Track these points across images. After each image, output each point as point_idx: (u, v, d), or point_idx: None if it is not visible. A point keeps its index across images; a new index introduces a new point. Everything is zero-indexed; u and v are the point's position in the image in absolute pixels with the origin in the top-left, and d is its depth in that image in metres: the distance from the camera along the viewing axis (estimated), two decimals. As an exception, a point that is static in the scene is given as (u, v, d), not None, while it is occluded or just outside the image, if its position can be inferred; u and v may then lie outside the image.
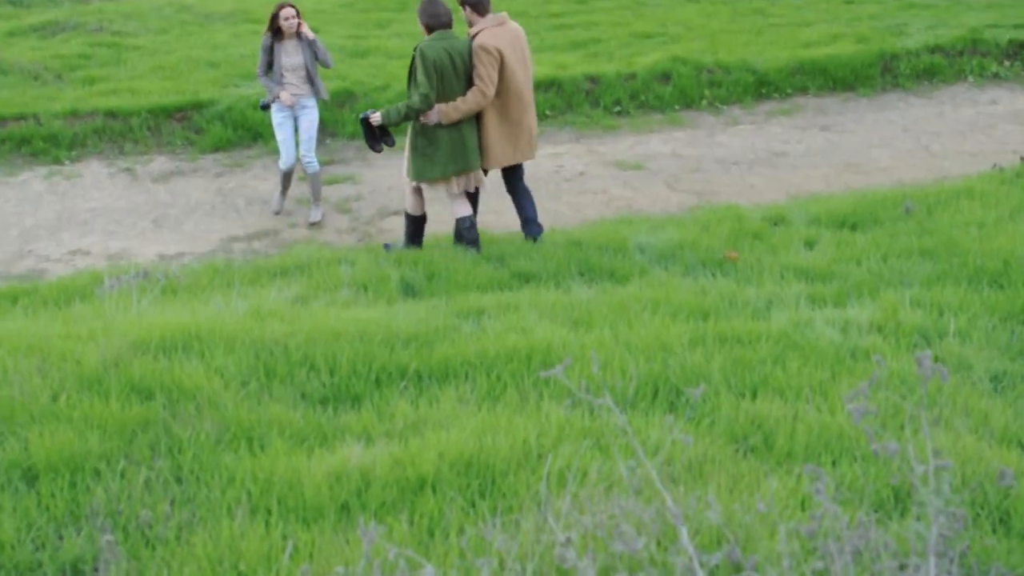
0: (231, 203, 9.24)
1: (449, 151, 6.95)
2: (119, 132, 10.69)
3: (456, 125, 6.92)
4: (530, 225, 7.56)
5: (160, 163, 10.25)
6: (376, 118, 7.06)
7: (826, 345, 4.60)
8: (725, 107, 12.05)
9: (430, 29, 6.87)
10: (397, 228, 8.66)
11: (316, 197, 8.96)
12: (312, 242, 8.37)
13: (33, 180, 9.86)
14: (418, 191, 7.30)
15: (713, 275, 6.38)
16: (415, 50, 6.82)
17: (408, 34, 14.57)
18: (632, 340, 4.60)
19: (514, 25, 7.14)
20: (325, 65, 8.79)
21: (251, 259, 7.78)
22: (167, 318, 5.02)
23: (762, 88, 12.40)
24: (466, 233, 7.29)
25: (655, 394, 4.11)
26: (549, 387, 4.14)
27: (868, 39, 13.61)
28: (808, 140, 10.96)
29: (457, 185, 7.15)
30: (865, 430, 2.64)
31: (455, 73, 6.82)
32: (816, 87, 12.57)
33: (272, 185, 9.62)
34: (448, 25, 6.88)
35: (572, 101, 11.76)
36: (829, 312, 5.22)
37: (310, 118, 8.79)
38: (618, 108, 11.79)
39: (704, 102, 12.08)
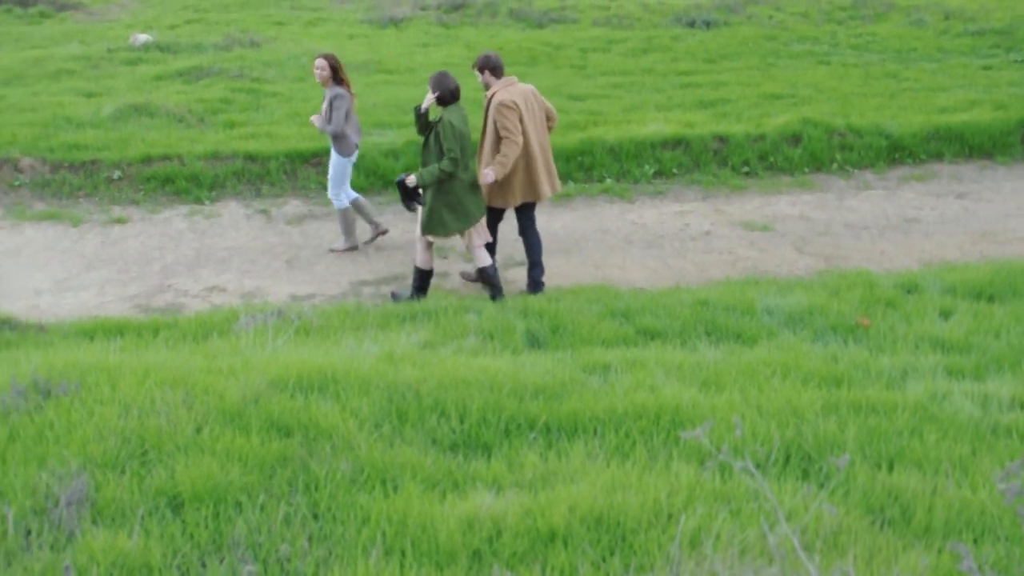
0: (361, 247, 9.46)
1: (460, 207, 7.79)
2: (257, 175, 11.08)
3: (467, 184, 7.78)
4: (535, 269, 8.40)
5: (294, 206, 10.58)
6: (411, 180, 7.74)
7: (965, 419, 4.48)
8: (856, 171, 11.87)
9: (445, 102, 7.76)
10: (521, 279, 8.75)
11: (341, 231, 9.48)
12: (438, 289, 8.51)
13: (175, 218, 10.28)
14: (430, 246, 8.05)
15: (844, 342, 6.28)
16: (439, 121, 7.64)
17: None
18: (763, 404, 4.56)
19: (523, 85, 8.20)
20: (326, 122, 9.10)
21: (380, 303, 7.94)
22: (303, 358, 5.16)
23: (895, 153, 12.20)
24: (488, 281, 8.12)
25: (787, 460, 4.06)
26: (679, 446, 4.13)
27: (1007, 106, 13.29)
28: (942, 207, 10.72)
29: (475, 236, 7.96)
30: (1018, 511, 2.57)
31: (468, 140, 7.78)
32: (952, 153, 12.31)
33: (401, 231, 9.84)
34: (459, 97, 7.81)
35: (699, 160, 11.75)
36: (967, 385, 5.09)
37: (329, 161, 9.37)
38: (746, 168, 11.73)
39: (834, 165, 11.94)
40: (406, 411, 4.41)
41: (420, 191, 7.83)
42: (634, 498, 3.57)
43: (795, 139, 12.14)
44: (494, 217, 8.45)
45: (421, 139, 8.04)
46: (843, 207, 10.73)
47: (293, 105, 13.47)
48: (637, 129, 12.18)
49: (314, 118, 9.21)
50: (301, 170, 11.18)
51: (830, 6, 22.56)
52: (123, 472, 3.68)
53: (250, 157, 11.24)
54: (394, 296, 8.25)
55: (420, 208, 7.92)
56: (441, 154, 7.63)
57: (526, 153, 8.03)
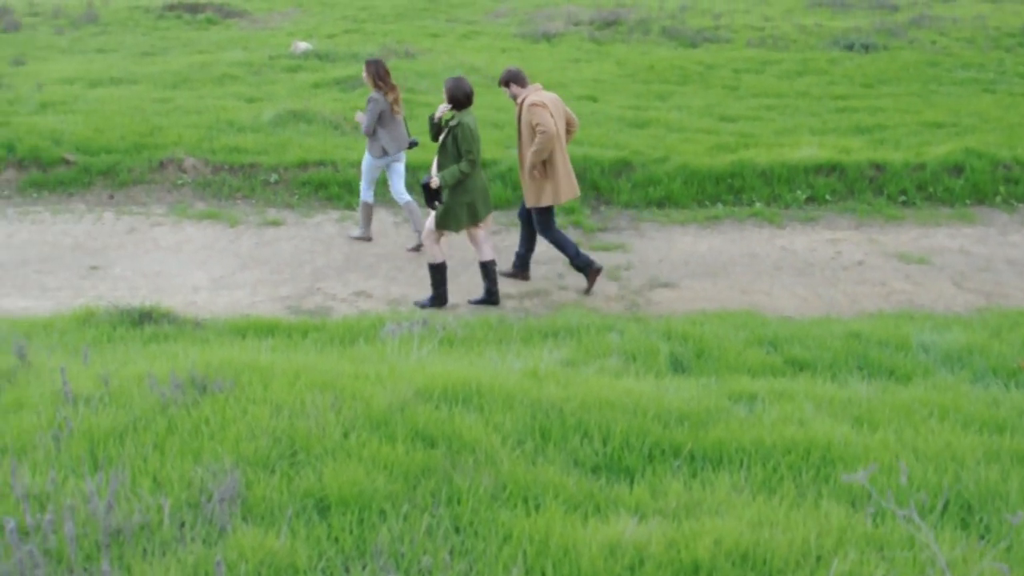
0: (507, 261, 9.51)
1: (471, 205, 8.22)
2: (406, 183, 11.24)
3: (478, 184, 8.27)
4: (527, 253, 9.13)
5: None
6: (436, 182, 8.12)
7: None
8: (1021, 205, 11.36)
9: (461, 105, 8.11)
10: (665, 300, 8.66)
11: (360, 220, 10.19)
12: (581, 306, 8.49)
13: (326, 223, 10.54)
14: (440, 240, 8.42)
15: (1005, 385, 5.99)
16: (452, 124, 8.03)
17: (686, 107, 14.66)
18: (919, 447, 4.37)
19: (549, 92, 8.84)
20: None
21: (523, 318, 7.96)
22: (448, 369, 5.20)
23: (1064, 188, 11.62)
24: (491, 276, 8.57)
25: (945, 507, 3.88)
26: (829, 484, 3.99)
27: None
28: (1115, 248, 10.15)
29: (484, 228, 8.43)
30: None
31: (480, 141, 8.23)
32: None
33: (546, 246, 9.85)
34: (472, 102, 8.19)
35: (854, 187, 11.43)
36: None
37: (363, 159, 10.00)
38: (903, 198, 11.35)
39: (998, 198, 11.44)
40: (549, 429, 4.38)
41: (443, 192, 8.19)
42: (781, 536, 3.46)
43: (957, 170, 11.70)
44: (545, 218, 8.85)
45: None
46: (1006, 242, 10.27)
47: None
48: (790, 153, 11.93)
49: (360, 115, 9.80)
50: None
51: (997, 32, 21.68)
52: (273, 472, 3.76)
53: (402, 166, 11.43)
54: (418, 305, 8.51)
55: (440, 206, 8.29)
56: (459, 156, 8.02)
57: (561, 151, 8.63)
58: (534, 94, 8.61)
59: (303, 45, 19.27)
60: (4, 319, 7.42)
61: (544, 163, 8.57)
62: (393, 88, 9.67)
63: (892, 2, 25.63)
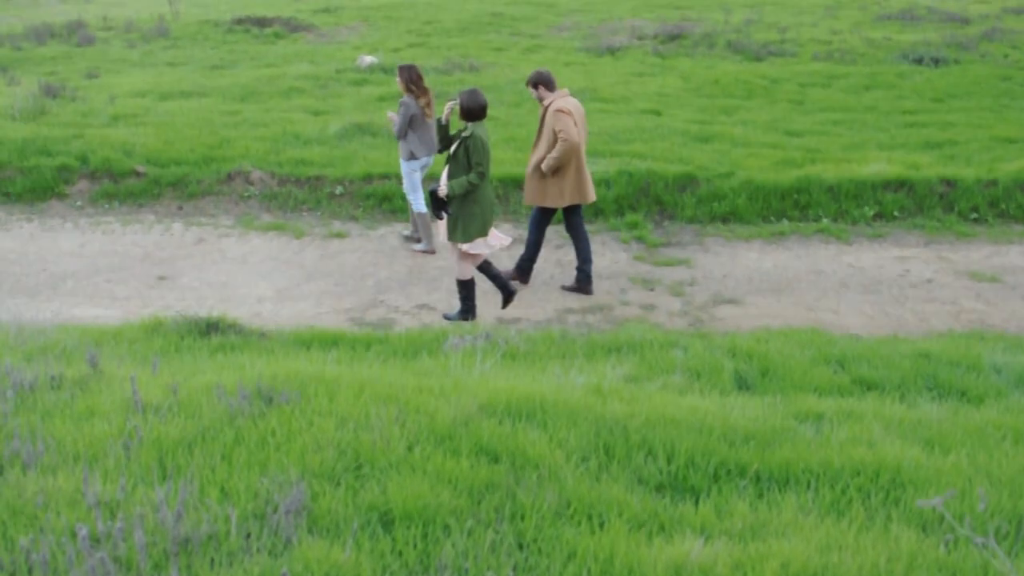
0: (569, 275, 9.50)
1: (482, 215, 8.20)
2: (471, 197, 11.30)
3: (488, 195, 8.26)
4: (586, 265, 9.14)
5: (504, 229, 10.72)
6: (443, 191, 8.10)
7: None
8: (1097, 223, 11.09)
9: (472, 117, 8.07)
10: (730, 316, 8.58)
11: (421, 233, 10.25)
12: (643, 321, 8.44)
13: (390, 235, 10.61)
14: (469, 257, 8.35)
15: (1082, 409, 5.82)
16: (465, 136, 7.99)
17: (751, 122, 14.53)
18: (993, 471, 4.27)
19: (574, 98, 9.00)
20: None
21: (585, 332, 7.94)
22: (511, 384, 5.19)
23: None
24: (495, 272, 8.58)
25: (1017, 533, 3.78)
26: (899, 508, 3.91)
27: None
28: None
29: (481, 245, 8.28)
30: None
31: (491, 154, 8.20)
32: None
33: (609, 260, 9.84)
34: (486, 115, 8.14)
35: (923, 204, 11.24)
36: None
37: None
38: (975, 215, 11.14)
39: (1073, 216, 11.18)
40: (613, 446, 4.36)
41: (450, 202, 8.20)
42: (850, 560, 3.40)
43: (1030, 186, 11.45)
44: (545, 217, 9.18)
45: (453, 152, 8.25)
46: (1082, 262, 10.03)
47: (509, 130, 13.70)
48: (857, 168, 11.76)
49: (392, 115, 10.03)
50: (513, 194, 11.35)
51: (1074, 46, 21.23)
52: (338, 484, 3.78)
53: (465, 179, 11.48)
54: (446, 318, 8.61)
55: (449, 216, 8.29)
56: (469, 167, 8.04)
57: (577, 157, 8.82)
58: (560, 100, 8.82)
59: (369, 59, 19.46)
60: (76, 327, 7.56)
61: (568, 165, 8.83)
62: (425, 92, 9.88)
63: (963, 15, 25.21)
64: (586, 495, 3.85)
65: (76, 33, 24.83)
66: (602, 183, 11.30)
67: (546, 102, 8.89)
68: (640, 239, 10.50)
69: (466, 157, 8.05)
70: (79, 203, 11.75)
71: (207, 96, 16.50)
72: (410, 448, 4.13)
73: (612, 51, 21.23)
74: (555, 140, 8.70)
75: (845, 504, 3.97)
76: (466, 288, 8.50)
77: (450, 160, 8.18)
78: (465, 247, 8.27)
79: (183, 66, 20.34)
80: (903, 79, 18.09)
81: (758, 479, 4.20)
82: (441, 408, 4.58)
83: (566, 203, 9.00)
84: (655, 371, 6.48)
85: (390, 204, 11.21)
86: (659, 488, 4.11)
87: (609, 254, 10.04)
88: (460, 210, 8.17)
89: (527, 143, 12.89)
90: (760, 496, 4.05)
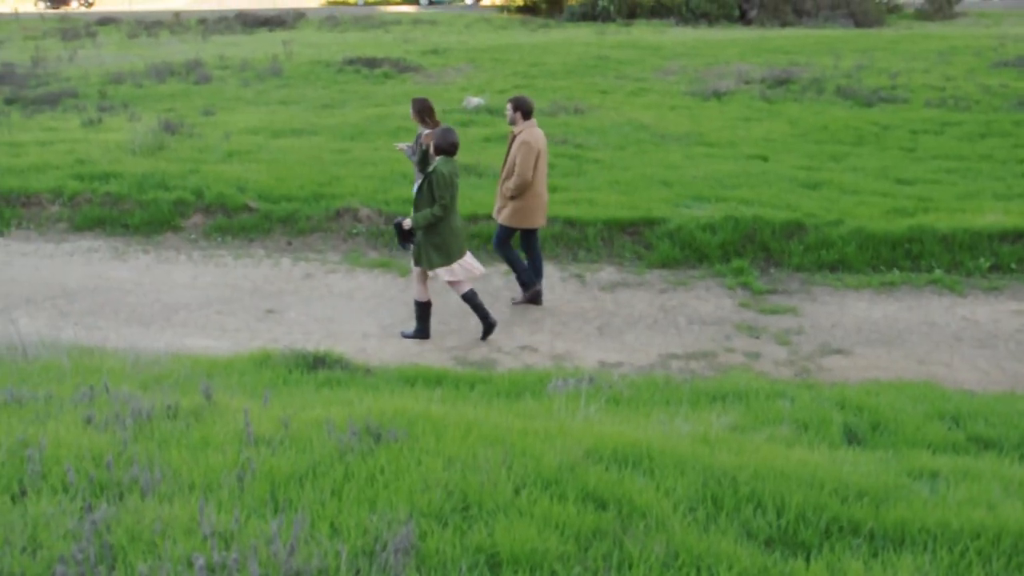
0: (672, 320, 9.43)
1: (446, 245, 8.78)
2: (574, 239, 11.34)
3: (454, 225, 8.83)
4: (538, 278, 9.89)
5: (608, 273, 10.72)
6: (407, 224, 8.76)
7: None
8: None
9: (441, 152, 8.65)
10: (838, 367, 8.41)
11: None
12: (748, 370, 8.31)
13: (493, 275, 10.68)
14: (426, 279, 9.03)
15: None
16: (429, 171, 8.62)
17: (861, 169, 14.29)
18: (1123, 539, 4.07)
19: (540, 130, 9.70)
20: (412, 152, 10.10)
21: (689, 379, 7.85)
22: (617, 429, 5.16)
23: None
24: (477, 302, 9.07)
25: None
26: (1022, 573, 3.76)
27: None
28: None
29: (457, 270, 8.91)
30: None
31: (457, 188, 8.79)
32: None
33: (713, 306, 9.74)
34: (456, 153, 8.73)
35: (1042, 256, 10.88)
36: None
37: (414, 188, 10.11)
38: (1097, 269, 10.74)
39: None
40: (721, 497, 4.28)
41: (414, 233, 8.81)
42: (972, 627, 3.28)
43: None
44: (508, 236, 9.85)
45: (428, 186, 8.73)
46: None
47: (614, 173, 13.71)
48: (972, 219, 11.45)
49: (402, 145, 10.34)
50: (618, 237, 11.33)
51: None
52: (446, 525, 3.79)
53: (569, 221, 11.53)
54: (404, 335, 9.19)
55: (413, 247, 8.96)
56: (433, 200, 8.61)
57: (541, 186, 9.63)
58: (529, 131, 9.49)
59: (475, 100, 19.72)
60: (188, 357, 7.76)
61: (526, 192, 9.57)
62: (436, 123, 10.19)
63: (1084, 63, 24.48)
64: (694, 546, 3.79)
65: (194, 72, 25.71)
66: (707, 228, 11.22)
67: (517, 129, 9.55)
68: (746, 286, 10.37)
69: (430, 191, 8.62)
70: (193, 236, 12.10)
71: (317, 134, 16.90)
72: (517, 491, 4.13)
73: (718, 95, 21.15)
74: (514, 165, 9.47)
75: (964, 568, 3.84)
76: (422, 309, 9.13)
77: (417, 193, 8.80)
78: (446, 276, 8.90)
79: (295, 105, 20.89)
80: (1020, 127, 17.60)
81: (872, 537, 4.09)
82: (547, 452, 4.56)
83: (542, 223, 9.85)
84: (761, 421, 6.37)
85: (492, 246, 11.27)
86: (768, 542, 4.03)
87: (713, 300, 9.94)
88: (425, 239, 8.77)
89: (632, 187, 12.91)
90: (874, 555, 3.93)
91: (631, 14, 46.92)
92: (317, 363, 7.53)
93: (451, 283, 9.00)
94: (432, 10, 57.78)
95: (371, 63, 26.93)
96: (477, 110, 18.99)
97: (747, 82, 22.70)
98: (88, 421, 4.81)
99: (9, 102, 21.67)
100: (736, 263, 10.74)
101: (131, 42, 38.82)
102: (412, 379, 7.41)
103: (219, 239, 12.01)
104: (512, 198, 9.62)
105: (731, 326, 9.29)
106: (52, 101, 21.54)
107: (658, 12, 46.67)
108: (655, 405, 6.63)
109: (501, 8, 54.92)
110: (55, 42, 38.58)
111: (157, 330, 9.34)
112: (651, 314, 9.63)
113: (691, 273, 10.66)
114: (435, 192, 8.59)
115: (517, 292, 10.15)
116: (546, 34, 39.49)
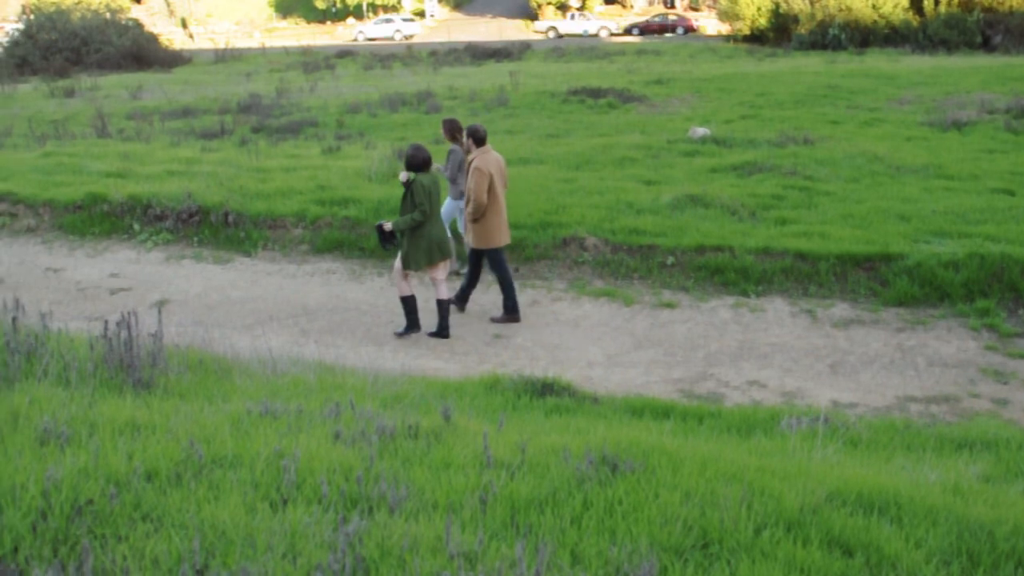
0: (910, 361, 9.02)
1: (427, 249, 9.81)
2: (805, 274, 11.03)
3: (434, 231, 9.79)
4: (514, 306, 10.52)
5: (841, 309, 10.36)
6: (388, 226, 9.80)
7: None
8: None
9: (415, 167, 9.71)
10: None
11: None
12: (996, 417, 7.84)
13: (720, 308, 10.52)
14: (406, 277, 10.03)
15: None
16: (413, 182, 9.64)
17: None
18: None
19: (496, 153, 10.36)
20: (444, 170, 11.46)
21: (931, 424, 7.47)
22: (860, 473, 4.96)
23: None
24: (444, 312, 10.11)
25: None
26: None
27: None
28: None
29: (440, 271, 10.07)
30: None
31: (437, 196, 9.74)
32: None
33: (956, 348, 9.26)
34: (429, 168, 9.76)
35: None
36: None
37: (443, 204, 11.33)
38: None
39: None
40: (978, 553, 4.04)
41: (395, 235, 9.83)
42: None
43: None
44: (496, 258, 10.45)
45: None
46: None
47: (846, 206, 13.28)
48: None
49: (437, 165, 10.99)
50: (851, 273, 10.94)
51: None
52: (686, 561, 3.74)
53: (800, 255, 11.22)
54: (397, 335, 10.13)
55: (394, 248, 10.04)
56: (414, 207, 9.61)
57: (500, 207, 10.24)
58: (481, 158, 10.11)
59: (701, 130, 19.55)
60: (421, 378, 8.01)
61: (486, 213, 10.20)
62: (461, 142, 11.07)
63: None
64: (951, 603, 3.59)
65: (425, 102, 26.68)
66: (949, 265, 10.67)
67: (471, 156, 10.25)
68: (992, 327, 9.79)
69: (412, 200, 9.64)
70: (425, 261, 12.50)
71: (543, 163, 17.16)
72: (758, 531, 4.02)
73: (958, 126, 20.17)
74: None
75: None
76: (407, 304, 10.07)
77: (402, 203, 9.79)
78: (399, 275, 9.99)
79: (520, 134, 21.31)
80: None
81: None
82: (787, 492, 4.43)
83: (504, 243, 10.47)
84: (1014, 472, 5.98)
85: (722, 277, 11.12)
86: (1031, 604, 3.77)
87: (956, 341, 9.44)
88: (409, 244, 9.81)
89: (866, 220, 12.47)
90: None
91: (863, 42, 45.54)
92: (545, 389, 7.61)
93: (400, 281, 10.01)
94: (647, 40, 57.87)
95: (595, 93, 27.19)
96: (703, 140, 18.82)
97: (990, 112, 21.56)
98: (336, 436, 5.02)
99: (256, 131, 23.12)
100: (981, 303, 10.16)
101: (366, 74, 40.72)
102: (639, 410, 7.37)
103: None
104: (474, 221, 10.25)
105: (975, 369, 8.80)
106: (294, 130, 22.83)
107: (892, 40, 45.13)
108: (896, 449, 6.34)
109: (727, 38, 54.47)
110: (297, 74, 40.95)
111: (390, 351, 9.68)
112: (887, 354, 9.24)
113: (931, 312, 10.16)
114: (416, 200, 9.61)
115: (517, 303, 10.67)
116: (773, 63, 38.82)
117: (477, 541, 3.72)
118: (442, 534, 3.76)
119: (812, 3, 47.85)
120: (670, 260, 11.54)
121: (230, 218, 13.68)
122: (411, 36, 68.15)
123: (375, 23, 70.99)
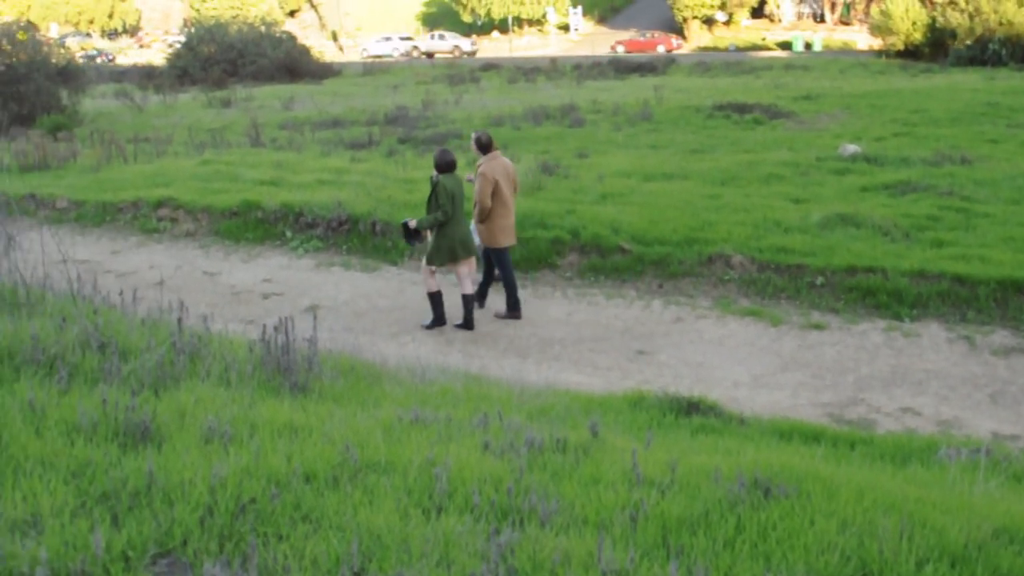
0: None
1: (450, 247, 10.49)
2: (963, 298, 10.61)
3: (456, 231, 10.48)
4: (516, 304, 11.13)
5: (1002, 336, 9.93)
6: (413, 224, 10.52)
7: None
8: None
9: (441, 169, 10.36)
10: None
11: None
12: None
13: (872, 331, 10.21)
14: (432, 273, 10.66)
15: None
16: (437, 183, 10.27)
17: None
18: None
19: (504, 159, 10.94)
20: None
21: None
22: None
23: None
24: (468, 306, 10.73)
25: None
26: None
27: None
28: None
29: (465, 267, 10.71)
30: None
31: (460, 198, 10.46)
32: None
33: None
34: (454, 169, 10.57)
35: None
36: None
37: None
38: None
39: None
40: None
41: (420, 233, 10.57)
42: None
43: None
44: (500, 258, 11.03)
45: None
46: None
47: (1007, 228, 12.74)
48: None
49: (469, 176, 11.43)
50: (1013, 299, 10.48)
51: None
52: (852, 592, 3.63)
53: (958, 279, 10.81)
54: (424, 326, 10.76)
55: (419, 245, 11.09)
56: (438, 207, 10.26)
57: (506, 209, 10.78)
58: (487, 164, 10.68)
59: (851, 148, 19.08)
60: (565, 392, 8.01)
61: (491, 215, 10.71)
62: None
63: None
64: None
65: (568, 116, 26.77)
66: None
67: (479, 163, 10.80)
68: None
69: (436, 200, 10.28)
70: (568, 274, 12.52)
71: (688, 179, 17.01)
72: (919, 566, 3.88)
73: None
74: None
75: None
76: (433, 299, 10.72)
77: (427, 204, 10.47)
78: (428, 272, 10.64)
79: (664, 149, 21.18)
80: None
81: None
82: (950, 526, 4.26)
83: (511, 243, 11.03)
84: None
85: (873, 299, 10.80)
86: None
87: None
88: (435, 241, 10.51)
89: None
90: None
91: (1025, 58, 43.70)
92: (691, 408, 7.51)
93: (428, 277, 10.67)
94: (795, 55, 56.79)
95: (741, 109, 26.83)
96: (854, 158, 18.35)
97: None
98: (485, 446, 5.06)
99: (402, 142, 23.59)
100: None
101: (510, 87, 41.12)
102: (787, 433, 7.20)
103: (592, 278, 12.35)
104: (480, 222, 10.80)
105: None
106: (440, 141, 23.20)
107: (1057, 55, 43.17)
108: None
109: (879, 53, 53.04)
110: (443, 87, 41.63)
111: (533, 363, 9.72)
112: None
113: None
114: (438, 200, 10.26)
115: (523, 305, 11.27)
116: (928, 79, 37.64)
117: (628, 559, 3.70)
118: (593, 550, 3.74)
119: (971, 17, 46.19)
120: (819, 280, 11.27)
121: (377, 227, 13.99)
122: (473, 52, 70.36)
123: (375, 41, 74.72)
